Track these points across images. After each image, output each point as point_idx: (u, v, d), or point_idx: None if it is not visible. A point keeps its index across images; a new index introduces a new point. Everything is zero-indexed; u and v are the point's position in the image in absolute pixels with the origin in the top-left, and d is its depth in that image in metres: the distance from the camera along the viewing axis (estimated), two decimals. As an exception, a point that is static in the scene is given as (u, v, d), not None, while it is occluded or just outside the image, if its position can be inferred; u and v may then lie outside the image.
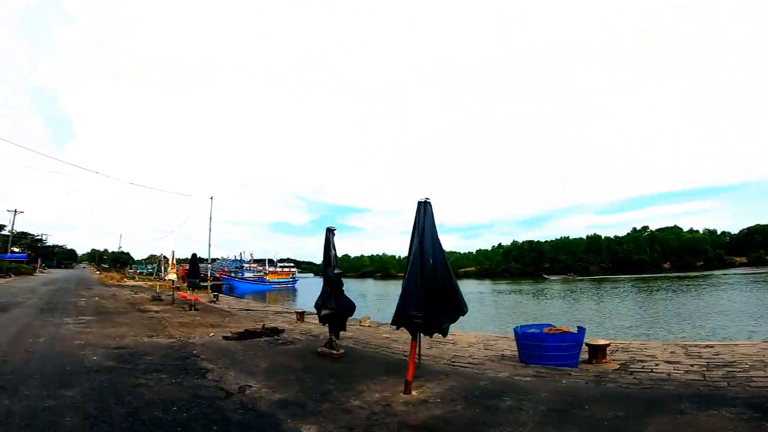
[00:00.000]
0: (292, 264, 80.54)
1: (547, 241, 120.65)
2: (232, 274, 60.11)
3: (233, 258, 70.64)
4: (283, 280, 69.73)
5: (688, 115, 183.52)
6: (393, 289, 68.47)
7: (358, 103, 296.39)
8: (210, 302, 18.66)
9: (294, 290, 64.21)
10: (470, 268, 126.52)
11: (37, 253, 63.54)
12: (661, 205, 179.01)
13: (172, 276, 15.10)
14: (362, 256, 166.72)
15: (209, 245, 20.32)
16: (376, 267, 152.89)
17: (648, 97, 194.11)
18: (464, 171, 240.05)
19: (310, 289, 69.27)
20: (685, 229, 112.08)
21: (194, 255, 13.57)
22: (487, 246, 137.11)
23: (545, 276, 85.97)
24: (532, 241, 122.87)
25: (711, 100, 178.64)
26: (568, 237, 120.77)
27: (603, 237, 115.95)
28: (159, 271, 17.90)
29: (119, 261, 66.62)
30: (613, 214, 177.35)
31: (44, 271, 44.45)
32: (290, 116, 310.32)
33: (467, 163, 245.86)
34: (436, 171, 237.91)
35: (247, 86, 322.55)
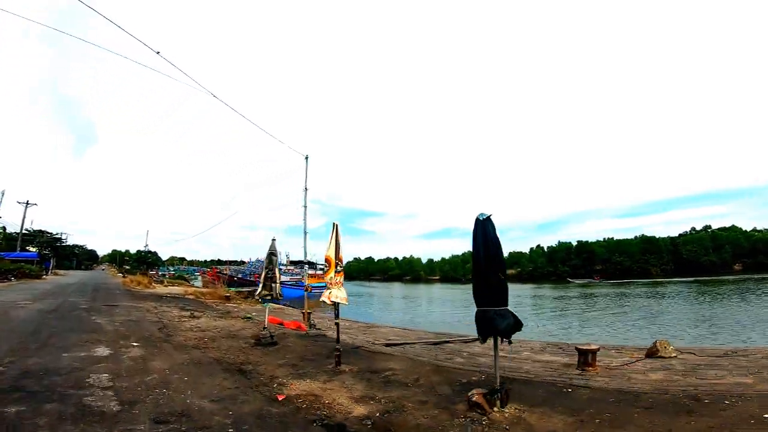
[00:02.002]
0: (332, 266, 72.08)
1: (596, 242, 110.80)
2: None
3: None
4: (323, 284, 61.53)
5: (687, 118, 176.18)
6: (432, 292, 60.05)
7: (368, 104, 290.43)
8: (313, 331, 10.32)
9: (336, 296, 56.17)
10: (510, 272, 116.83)
11: (56, 253, 57.23)
12: (671, 210, 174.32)
13: (341, 294, 5.89)
14: (388, 258, 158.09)
15: (305, 225, 12.09)
16: (404, 270, 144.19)
17: (649, 100, 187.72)
18: (476, 174, 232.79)
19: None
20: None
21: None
22: (509, 249, 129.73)
23: (569, 279, 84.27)
24: (581, 241, 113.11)
25: (709, 102, 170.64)
26: (612, 238, 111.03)
27: (658, 237, 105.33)
28: (271, 278, 8.24)
29: (145, 262, 58.96)
30: (628, 218, 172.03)
31: (57, 273, 37.42)
32: (301, 118, 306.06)
33: (479, 167, 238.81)
34: (449, 174, 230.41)
35: (248, 86, 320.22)
